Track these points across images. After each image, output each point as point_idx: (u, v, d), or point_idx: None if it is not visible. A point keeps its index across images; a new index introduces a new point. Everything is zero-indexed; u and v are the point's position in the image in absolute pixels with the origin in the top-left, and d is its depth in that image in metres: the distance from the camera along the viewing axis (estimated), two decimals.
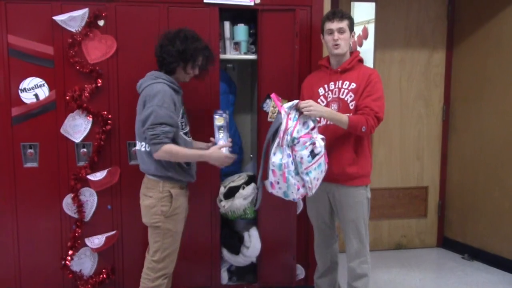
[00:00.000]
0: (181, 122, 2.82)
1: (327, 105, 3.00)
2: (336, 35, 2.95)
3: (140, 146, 2.82)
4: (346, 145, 2.96)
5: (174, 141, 2.74)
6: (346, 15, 2.99)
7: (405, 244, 4.72)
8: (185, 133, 2.88)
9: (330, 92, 3.01)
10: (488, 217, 4.30)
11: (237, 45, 3.53)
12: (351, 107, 2.93)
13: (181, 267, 3.21)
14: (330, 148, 2.93)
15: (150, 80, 2.75)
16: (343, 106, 2.95)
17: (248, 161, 4.09)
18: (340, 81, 2.99)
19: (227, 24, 3.48)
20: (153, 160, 2.75)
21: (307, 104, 2.76)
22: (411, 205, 4.70)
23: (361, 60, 3.07)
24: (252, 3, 3.36)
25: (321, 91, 3.04)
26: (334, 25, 2.96)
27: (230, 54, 3.54)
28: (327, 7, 3.46)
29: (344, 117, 2.84)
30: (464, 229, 4.57)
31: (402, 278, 4.06)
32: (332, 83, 3.01)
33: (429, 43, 4.55)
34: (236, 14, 3.51)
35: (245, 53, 3.56)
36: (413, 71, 4.56)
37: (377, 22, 4.46)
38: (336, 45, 2.96)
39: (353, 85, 2.94)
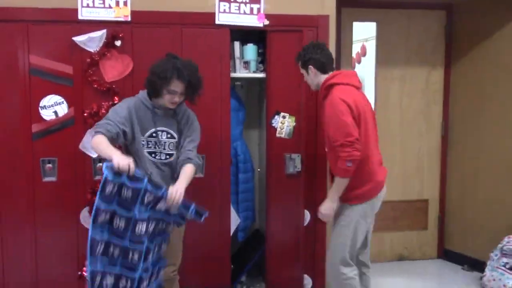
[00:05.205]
0: (147, 141, 2.87)
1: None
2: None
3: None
4: None
5: (128, 150, 2.89)
6: None
7: (407, 255, 4.81)
8: (150, 153, 2.89)
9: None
10: (487, 229, 4.37)
11: (246, 64, 3.69)
12: None
13: (193, 277, 3.34)
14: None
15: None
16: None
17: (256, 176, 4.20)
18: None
19: (237, 44, 3.65)
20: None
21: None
22: (412, 217, 4.79)
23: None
24: (261, 24, 3.52)
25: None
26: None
27: (240, 73, 3.69)
28: (332, 28, 3.61)
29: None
30: (464, 241, 4.66)
31: None
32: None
33: (429, 61, 4.66)
34: (246, 34, 3.66)
35: (254, 72, 3.72)
36: (413, 88, 4.67)
37: (378, 41, 4.59)
38: None
39: None
